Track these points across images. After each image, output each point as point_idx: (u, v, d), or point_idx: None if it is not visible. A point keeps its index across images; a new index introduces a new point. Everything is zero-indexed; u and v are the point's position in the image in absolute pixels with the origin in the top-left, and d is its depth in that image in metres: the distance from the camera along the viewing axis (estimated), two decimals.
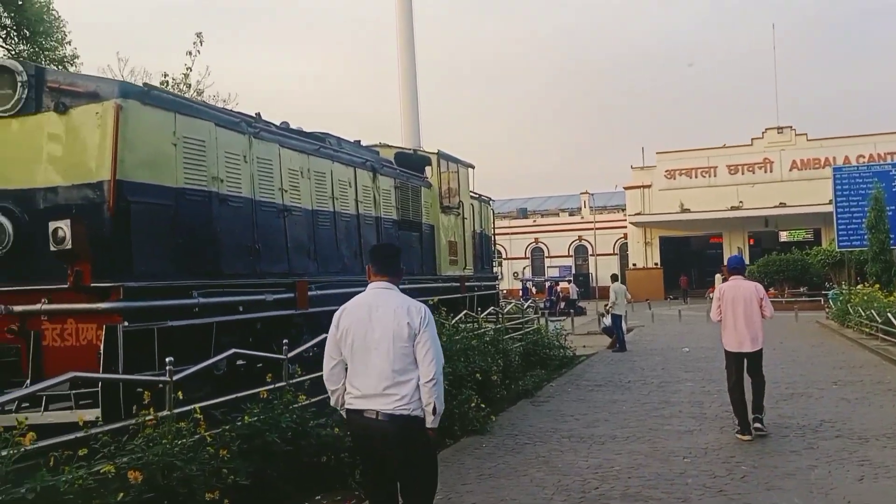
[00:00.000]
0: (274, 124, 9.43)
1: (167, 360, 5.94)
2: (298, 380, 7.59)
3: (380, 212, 11.63)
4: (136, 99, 6.72)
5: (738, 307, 8.53)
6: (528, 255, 62.33)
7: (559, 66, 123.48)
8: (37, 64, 6.75)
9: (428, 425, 4.12)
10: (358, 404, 4.16)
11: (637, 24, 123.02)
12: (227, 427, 6.24)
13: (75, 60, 24.51)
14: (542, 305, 41.57)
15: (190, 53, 21.72)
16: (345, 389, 4.27)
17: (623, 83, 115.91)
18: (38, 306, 6.37)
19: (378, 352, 4.10)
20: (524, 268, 60.52)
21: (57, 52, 24.41)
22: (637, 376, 13.98)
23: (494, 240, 17.95)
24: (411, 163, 13.78)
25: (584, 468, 7.27)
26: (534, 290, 48.00)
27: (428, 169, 14.27)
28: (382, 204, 11.76)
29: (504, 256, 62.76)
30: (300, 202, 9.41)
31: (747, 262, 36.28)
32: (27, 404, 6.40)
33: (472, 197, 16.22)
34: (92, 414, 6.08)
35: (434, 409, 4.07)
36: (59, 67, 21.34)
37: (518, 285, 51.55)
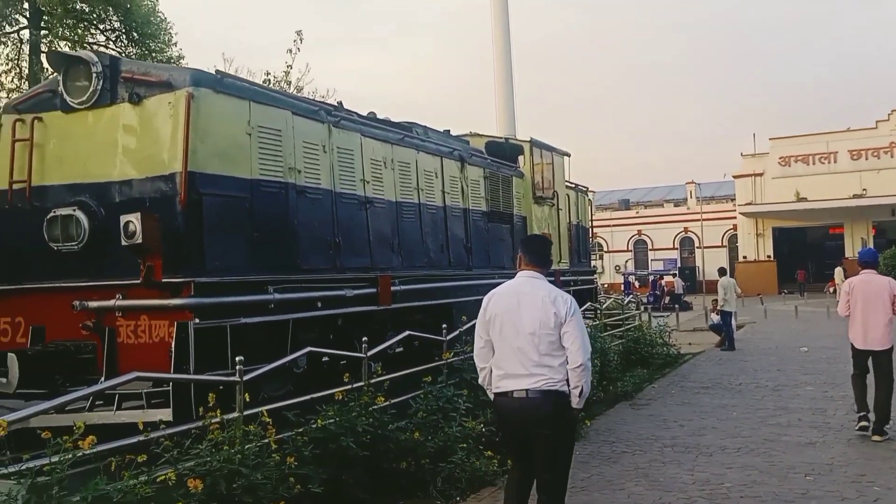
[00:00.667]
0: (356, 113, 9.09)
1: (237, 359, 5.66)
2: (378, 379, 7.22)
3: (468, 203, 11.14)
4: (209, 87, 6.49)
5: (868, 302, 7.97)
6: (631, 247, 60.72)
7: (662, 51, 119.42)
8: (111, 54, 6.57)
9: (573, 405, 4.39)
10: (506, 385, 4.44)
11: (746, 5, 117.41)
12: (300, 431, 5.92)
13: (181, 61, 25.28)
14: (644, 300, 40.25)
15: (290, 51, 22.00)
16: (491, 370, 4.56)
17: (733, 68, 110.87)
18: (111, 302, 6.24)
19: (525, 336, 4.36)
20: (626, 261, 58.90)
21: (164, 53, 25.26)
22: (749, 378, 12.92)
23: (593, 231, 17.15)
24: (503, 152, 13.22)
25: (689, 484, 6.53)
26: (636, 283, 46.52)
27: (521, 159, 13.66)
28: (471, 195, 11.26)
29: (605, 249, 61.43)
30: (383, 194, 9.03)
31: None
32: (101, 402, 6.29)
33: (567, 186, 15.49)
34: (163, 414, 5.89)
35: (581, 391, 4.34)
36: None
37: (619, 279, 50.05)
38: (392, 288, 8.73)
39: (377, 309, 8.46)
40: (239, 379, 5.70)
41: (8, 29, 23.97)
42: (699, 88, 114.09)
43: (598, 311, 15.64)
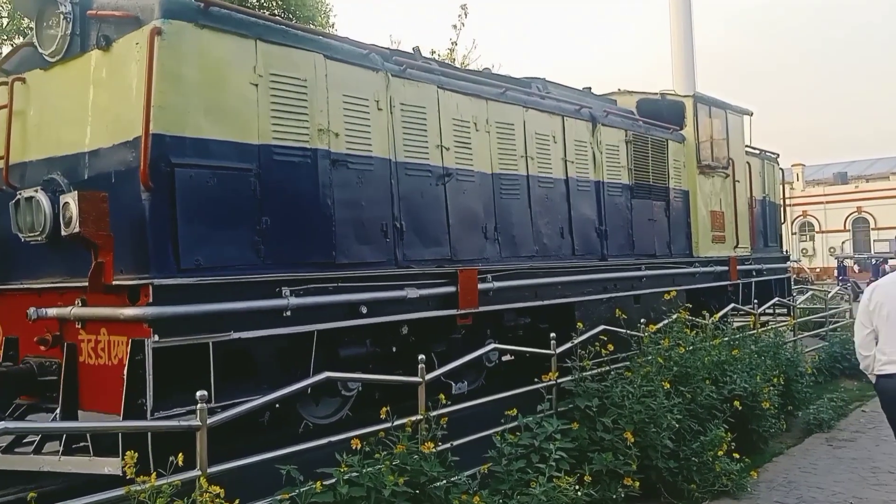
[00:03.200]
0: (435, 61, 7.17)
1: (198, 395, 3.98)
2: (439, 412, 5.27)
3: (602, 174, 8.78)
4: (188, 19, 4.82)
5: None
6: (849, 227, 54.30)
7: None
8: None
9: None
10: (890, 369, 4.73)
11: None
12: (296, 493, 4.16)
13: None
14: (863, 288, 34.63)
15: (455, 27, 20.57)
16: (875, 357, 4.81)
17: None
18: (68, 310, 4.81)
19: None
20: (843, 242, 52.54)
21: None
22: None
23: (785, 208, 13.91)
24: (659, 112, 10.63)
25: None
26: (855, 268, 40.60)
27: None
28: (606, 164, 8.89)
29: (817, 229, 55.04)
30: (472, 163, 7.01)
31: None
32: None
33: (749, 153, 12.49)
34: (110, 465, 4.37)
35: None
36: None
37: (834, 263, 44.03)
38: (481, 285, 6.70)
39: (457, 313, 6.48)
40: (201, 423, 4.03)
41: None
42: None
43: (792, 308, 12.60)
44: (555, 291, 7.78)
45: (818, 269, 51.69)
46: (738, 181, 11.58)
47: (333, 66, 5.72)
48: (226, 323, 4.76)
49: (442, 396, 5.50)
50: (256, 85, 5.18)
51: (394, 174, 6.16)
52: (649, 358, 6.89)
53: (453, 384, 6.74)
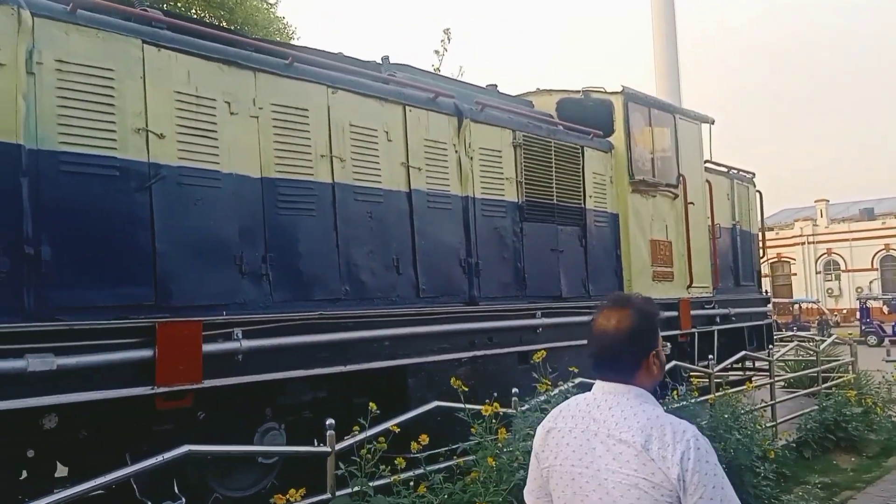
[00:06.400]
0: (166, 11, 4.93)
1: None
2: None
3: (471, 188, 6.39)
4: None
5: None
6: (876, 265, 51.86)
7: None
8: None
9: None
10: None
11: None
12: None
13: None
14: (890, 332, 31.76)
15: (437, 52, 18.80)
16: None
17: None
18: None
19: None
20: (871, 282, 49.77)
21: None
22: None
23: (764, 239, 11.34)
24: (582, 113, 8.26)
25: None
26: (885, 309, 37.68)
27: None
28: (480, 174, 6.50)
29: (843, 268, 52.38)
30: (217, 161, 4.67)
31: None
32: None
33: (712, 170, 10.03)
34: None
35: None
36: None
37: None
38: (213, 346, 4.30)
39: (153, 392, 4.07)
40: None
41: None
42: None
43: (772, 362, 10.02)
44: (378, 350, 5.36)
45: (845, 311, 48.46)
46: (693, 203, 9.09)
47: None
48: None
49: None
50: None
51: (28, 170, 3.83)
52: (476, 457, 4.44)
53: None
